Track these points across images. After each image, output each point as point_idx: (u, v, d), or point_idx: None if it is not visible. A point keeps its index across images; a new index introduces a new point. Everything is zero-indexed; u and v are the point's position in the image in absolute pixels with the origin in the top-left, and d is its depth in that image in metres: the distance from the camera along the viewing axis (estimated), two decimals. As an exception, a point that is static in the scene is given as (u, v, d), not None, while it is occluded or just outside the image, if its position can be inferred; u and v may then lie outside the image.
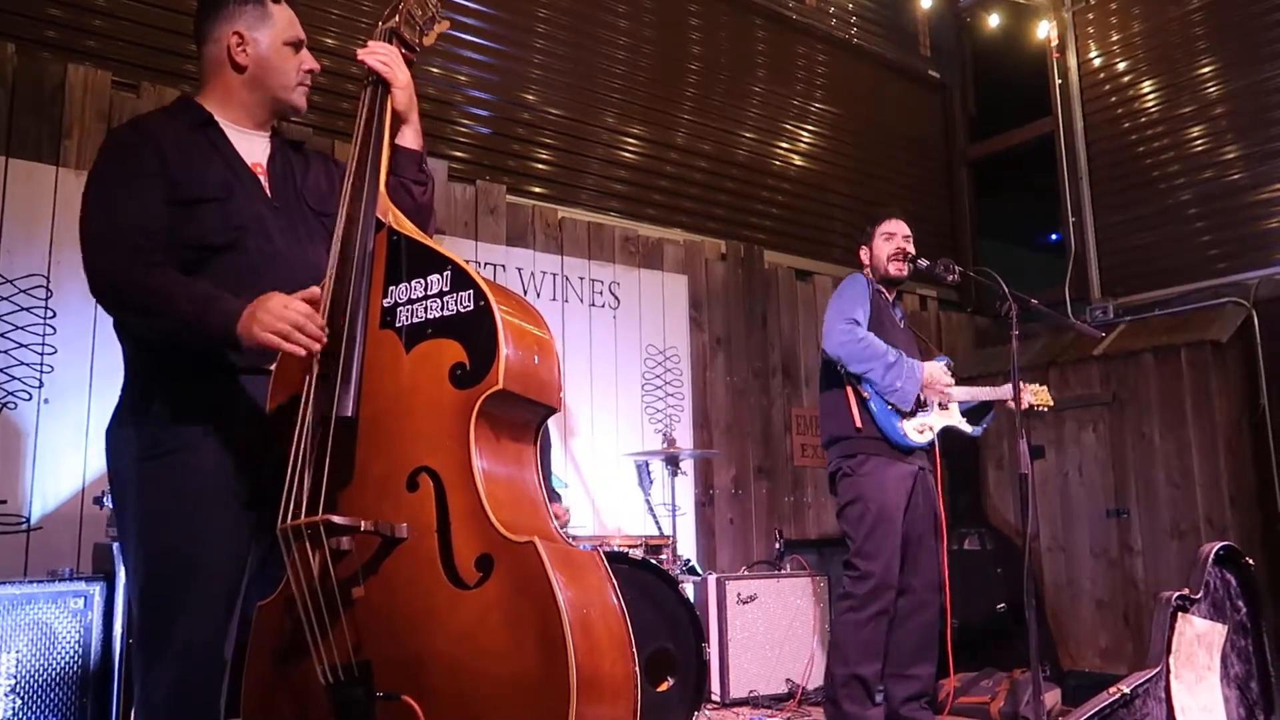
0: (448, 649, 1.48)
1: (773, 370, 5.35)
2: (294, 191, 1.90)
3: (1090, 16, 6.01)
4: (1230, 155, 5.30)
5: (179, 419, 1.70)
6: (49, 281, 3.31)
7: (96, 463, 3.26)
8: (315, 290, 1.66)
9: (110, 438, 1.78)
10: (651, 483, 4.25)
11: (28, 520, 3.18)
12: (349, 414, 1.61)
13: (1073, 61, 6.05)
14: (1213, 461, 4.55)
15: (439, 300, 1.63)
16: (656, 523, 4.19)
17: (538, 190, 4.74)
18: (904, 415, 3.33)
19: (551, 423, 4.13)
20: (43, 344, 3.28)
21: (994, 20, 6.31)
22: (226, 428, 1.72)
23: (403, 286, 1.67)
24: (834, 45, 6.20)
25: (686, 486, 4.73)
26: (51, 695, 2.68)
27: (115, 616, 2.77)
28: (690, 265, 5.14)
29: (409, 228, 1.73)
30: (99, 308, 1.74)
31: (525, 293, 4.41)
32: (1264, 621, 2.61)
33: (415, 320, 1.65)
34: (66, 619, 2.73)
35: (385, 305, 1.68)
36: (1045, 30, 6.11)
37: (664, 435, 4.34)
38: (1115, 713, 2.16)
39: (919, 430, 3.37)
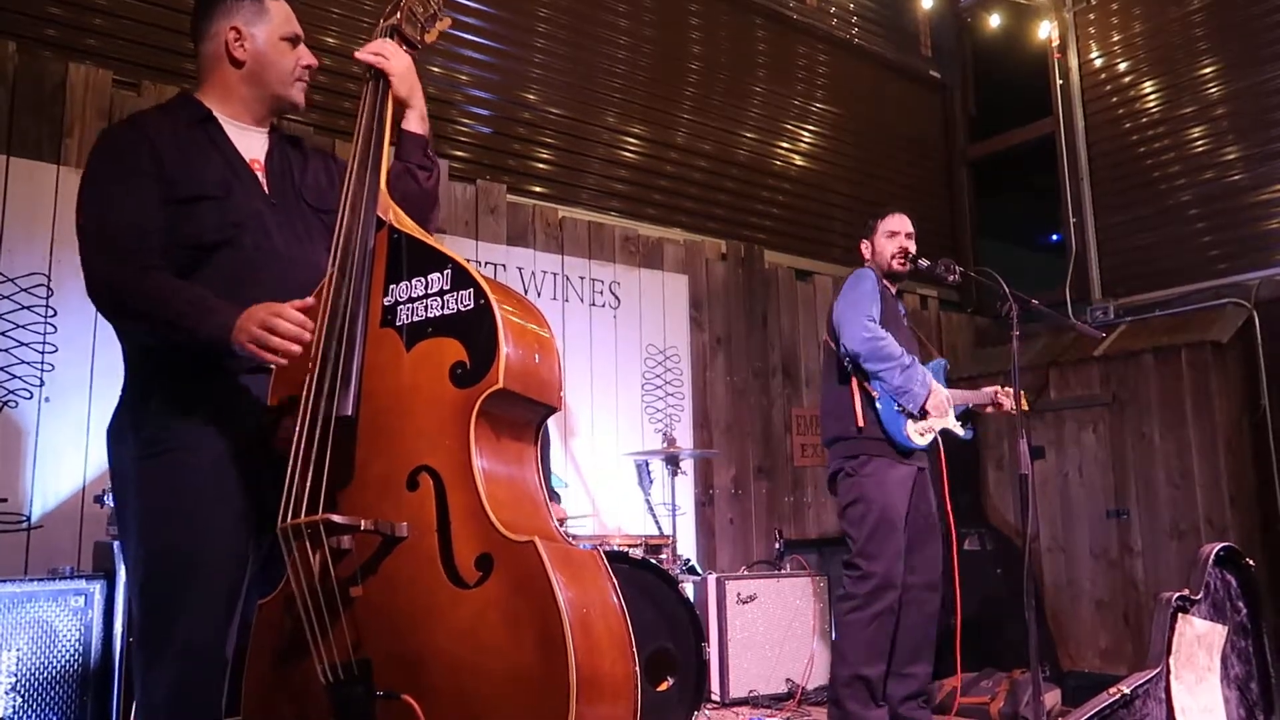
0: (448, 648, 1.48)
1: (773, 370, 5.35)
2: (292, 188, 1.89)
3: (1091, 17, 6.01)
4: (1231, 156, 5.30)
5: (179, 418, 1.70)
6: (50, 280, 3.31)
7: (97, 461, 3.26)
8: (310, 300, 1.65)
9: (111, 436, 1.78)
10: (651, 482, 4.25)
11: (28, 519, 3.18)
12: (349, 413, 1.61)
13: (1073, 62, 6.05)
14: (1213, 462, 4.55)
15: (439, 299, 1.63)
16: (656, 522, 4.19)
17: (538, 190, 4.74)
18: (910, 417, 3.33)
19: (551, 422, 4.13)
20: (43, 343, 3.28)
21: (995, 20, 6.31)
22: (227, 426, 1.72)
23: (403, 285, 1.67)
24: (834, 45, 6.20)
25: (686, 486, 4.73)
26: (52, 693, 2.68)
27: (116, 615, 2.77)
28: (690, 265, 5.14)
29: (410, 226, 1.73)
30: (99, 307, 1.74)
31: (525, 292, 4.41)
32: (1264, 622, 2.61)
33: (415, 319, 1.64)
34: (67, 617, 2.73)
35: (385, 304, 1.68)
36: (1046, 30, 6.10)
37: (664, 435, 4.34)
38: (1115, 713, 2.15)
39: (922, 433, 3.38)
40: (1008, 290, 3.03)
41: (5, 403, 3.20)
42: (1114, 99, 5.86)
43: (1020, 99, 6.42)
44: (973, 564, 4.78)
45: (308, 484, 1.58)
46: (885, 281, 3.57)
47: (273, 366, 1.69)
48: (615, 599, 1.54)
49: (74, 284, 3.26)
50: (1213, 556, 2.50)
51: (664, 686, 3.22)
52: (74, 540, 3.23)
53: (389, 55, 1.85)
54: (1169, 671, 2.28)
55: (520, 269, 4.48)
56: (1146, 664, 2.30)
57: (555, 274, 4.60)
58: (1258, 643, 2.57)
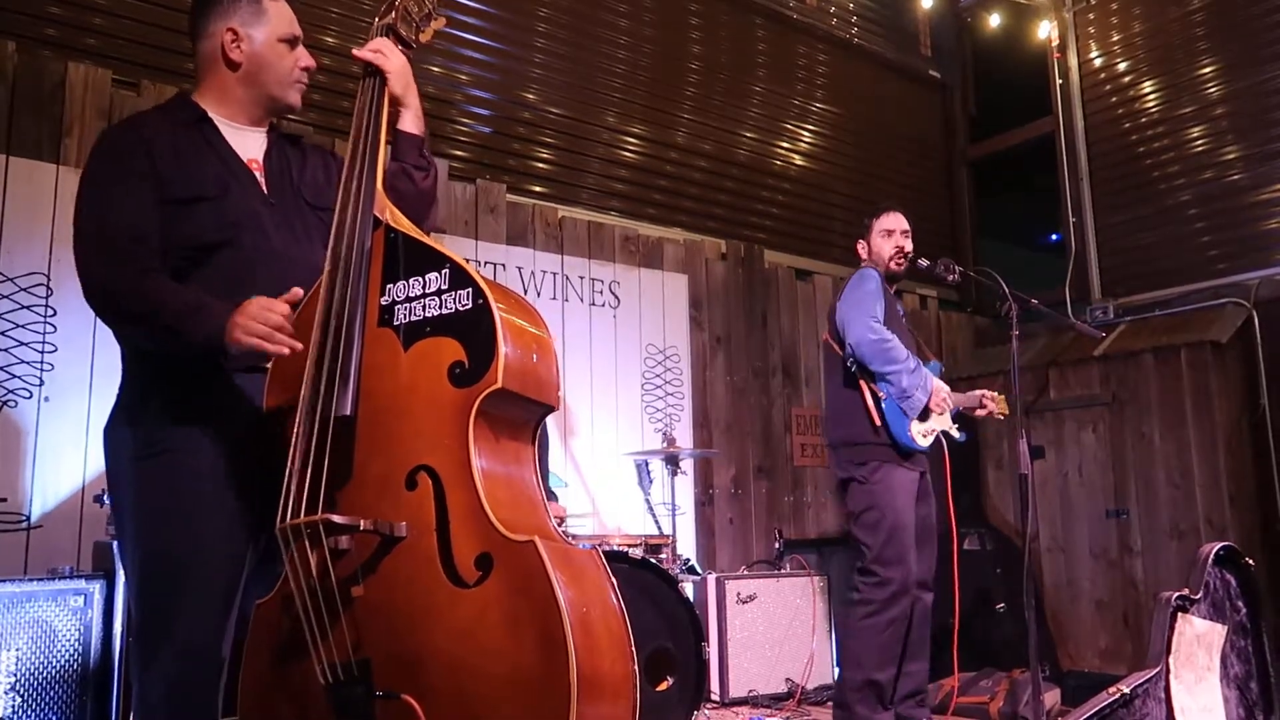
0: (447, 648, 1.48)
1: (773, 370, 5.35)
2: (290, 187, 1.89)
3: (1091, 16, 6.01)
4: (1231, 156, 5.30)
5: (176, 418, 1.70)
6: (49, 280, 3.31)
7: (97, 461, 3.26)
8: (298, 291, 1.65)
9: (108, 437, 1.78)
10: (651, 482, 4.25)
11: (28, 518, 3.18)
12: (347, 413, 1.61)
13: (1073, 61, 6.05)
14: (1212, 462, 4.55)
15: (437, 298, 1.63)
16: (656, 522, 4.19)
17: (538, 189, 4.74)
18: (912, 419, 3.34)
19: (551, 422, 4.16)
20: (43, 342, 3.28)
21: (994, 20, 6.31)
22: (224, 426, 1.71)
23: (400, 284, 1.67)
24: (834, 45, 6.20)
25: (686, 486, 4.73)
26: (51, 693, 2.68)
27: (115, 614, 2.77)
28: (690, 265, 5.14)
29: (406, 225, 1.73)
30: (98, 307, 1.74)
31: (525, 292, 4.41)
32: (1264, 622, 2.61)
33: (413, 318, 1.64)
34: (66, 617, 2.73)
35: (383, 303, 1.68)
36: (1046, 30, 6.10)
37: (664, 435, 4.34)
38: (1115, 713, 2.15)
39: (925, 434, 3.38)
40: (1007, 290, 3.03)
41: (5, 402, 3.20)
42: (1114, 99, 5.86)
43: (1020, 99, 6.42)
44: (972, 564, 4.78)
45: (306, 484, 1.58)
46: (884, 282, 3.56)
47: (269, 366, 1.69)
48: (615, 599, 1.54)
49: (74, 284, 3.22)
50: (1212, 556, 2.50)
51: (664, 686, 3.22)
52: (73, 540, 3.23)
53: (386, 53, 1.85)
54: (1168, 671, 2.28)
55: (520, 269, 4.48)
56: (1146, 663, 2.30)
57: (555, 274, 4.60)
58: (1257, 642, 2.57)
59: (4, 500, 3.16)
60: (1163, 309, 5.36)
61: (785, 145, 5.83)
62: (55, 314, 3.31)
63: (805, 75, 6.03)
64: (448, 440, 1.56)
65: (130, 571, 1.72)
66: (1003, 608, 4.65)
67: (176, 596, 1.66)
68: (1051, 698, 3.92)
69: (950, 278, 3.46)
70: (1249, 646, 2.56)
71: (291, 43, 1.89)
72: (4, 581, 2.69)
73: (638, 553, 3.45)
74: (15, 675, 2.63)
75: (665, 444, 4.16)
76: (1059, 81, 6.06)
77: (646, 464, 4.25)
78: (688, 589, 3.67)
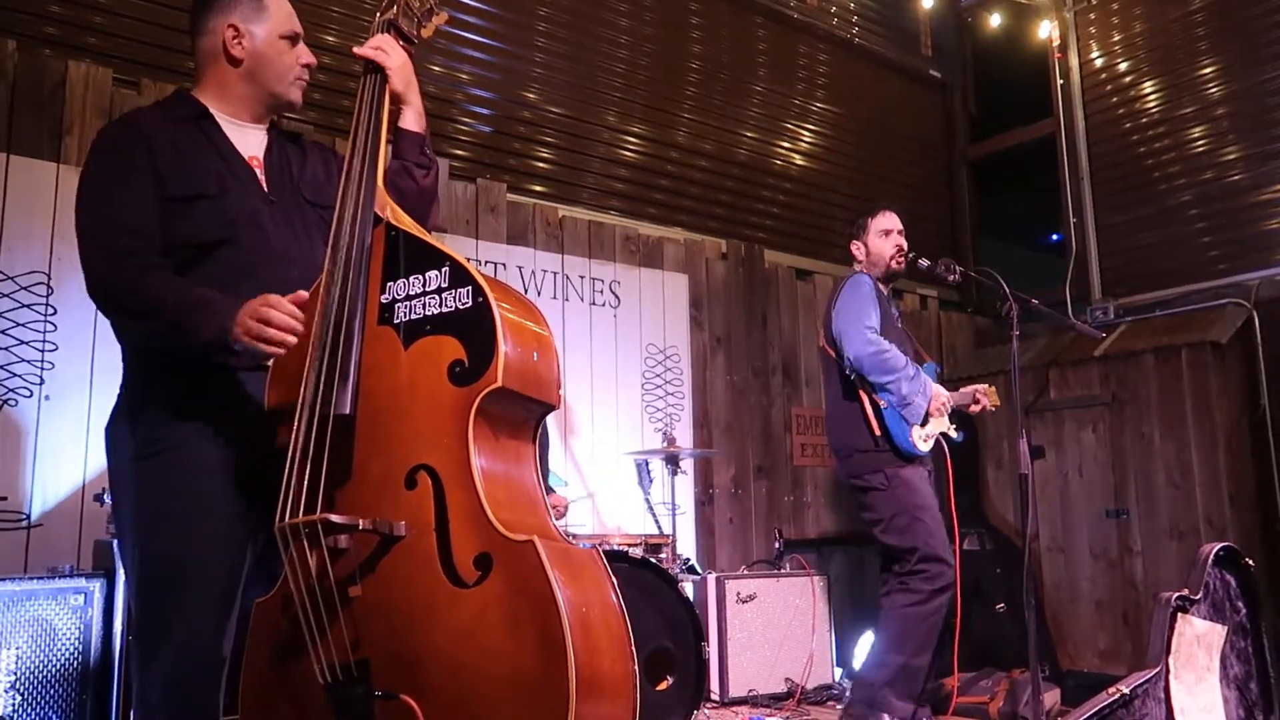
0: (447, 648, 1.48)
1: (773, 369, 5.35)
2: (291, 185, 1.89)
3: (1092, 17, 6.01)
4: (1231, 156, 5.30)
5: (176, 417, 1.70)
6: (50, 279, 3.31)
7: (97, 460, 3.25)
8: (303, 294, 1.65)
9: (108, 436, 1.78)
10: (651, 482, 4.25)
11: (28, 517, 3.18)
12: (347, 411, 1.60)
13: (1074, 61, 6.04)
14: (1212, 462, 4.55)
15: (437, 296, 1.62)
16: (656, 522, 4.19)
17: (538, 189, 4.74)
18: (912, 425, 3.34)
19: (551, 421, 4.16)
20: (43, 341, 3.28)
21: (995, 20, 6.30)
22: (224, 425, 1.71)
23: (401, 283, 1.67)
24: (835, 45, 6.20)
25: (686, 485, 4.72)
26: (51, 692, 2.68)
27: (115, 613, 2.77)
28: (691, 264, 5.14)
29: (407, 223, 1.73)
30: (99, 305, 1.74)
31: (525, 291, 4.40)
32: (1263, 622, 2.61)
33: (413, 317, 1.64)
34: (67, 616, 2.73)
35: (383, 301, 1.68)
36: (1046, 30, 6.10)
37: (664, 434, 4.34)
38: (1114, 713, 2.15)
39: (925, 440, 3.39)
40: (1008, 290, 3.03)
41: (5, 401, 3.20)
42: (1114, 99, 5.86)
43: (1021, 99, 6.42)
44: (972, 564, 4.78)
45: (305, 483, 1.58)
46: (880, 284, 3.55)
47: (269, 364, 1.69)
48: (614, 598, 1.54)
49: (74, 282, 3.26)
50: (1212, 556, 2.49)
51: (663, 686, 3.22)
52: (74, 538, 3.23)
53: (387, 50, 1.84)
54: (1168, 671, 2.28)
55: (520, 268, 4.48)
56: (1146, 664, 2.30)
57: (555, 273, 4.60)
58: (1257, 642, 2.57)
59: (4, 499, 3.16)
60: (1163, 309, 5.36)
61: (786, 145, 5.83)
62: (55, 313, 3.31)
63: (806, 75, 6.03)
64: (447, 439, 1.56)
65: (130, 571, 1.72)
66: (1002, 608, 4.65)
67: (176, 596, 1.66)
68: (1051, 698, 3.92)
69: (951, 278, 3.45)
70: (1249, 647, 2.56)
71: (292, 39, 1.89)
72: (4, 580, 2.69)
73: (638, 552, 3.45)
74: (15, 674, 2.63)
75: (665, 443, 4.16)
76: (1060, 81, 6.05)
77: (646, 463, 4.25)
78: (687, 588, 3.67)
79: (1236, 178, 5.26)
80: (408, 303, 1.65)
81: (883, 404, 3.31)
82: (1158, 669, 2.27)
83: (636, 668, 1.51)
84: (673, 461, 4.08)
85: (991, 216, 6.85)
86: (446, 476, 1.55)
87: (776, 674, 4.16)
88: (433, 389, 1.59)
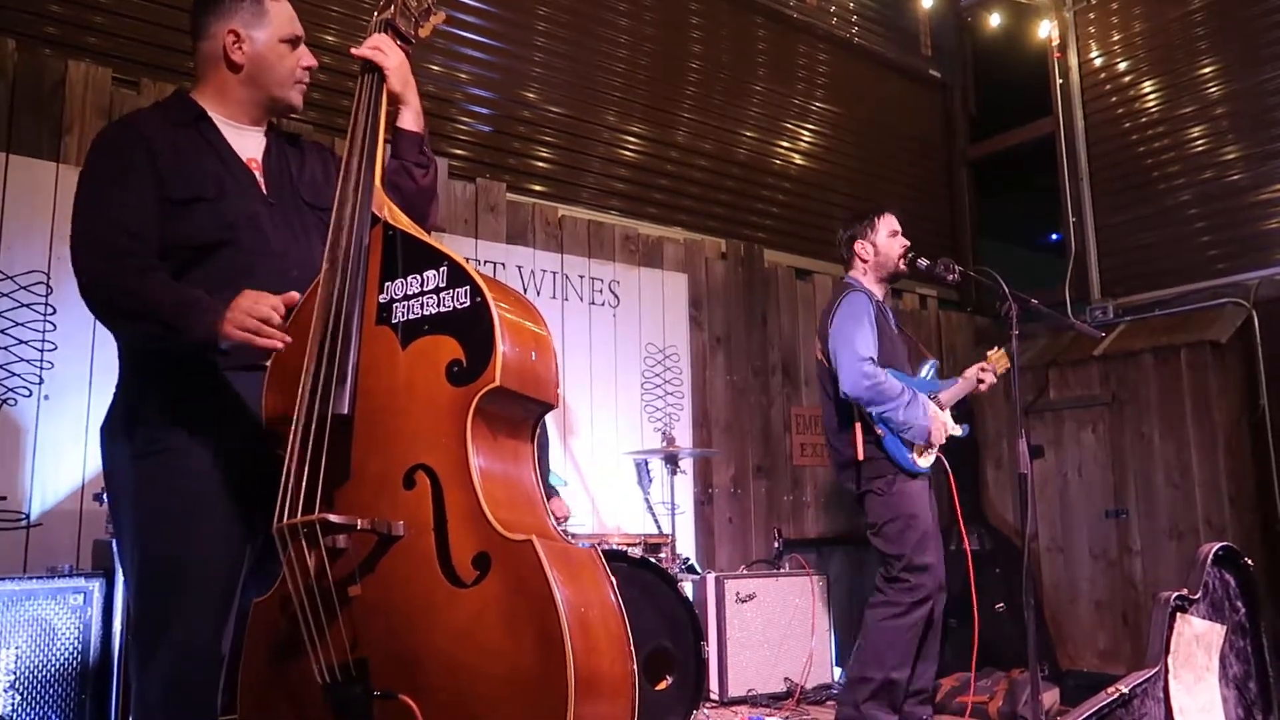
0: (445, 647, 1.48)
1: (772, 369, 5.35)
2: (289, 186, 1.89)
3: (1091, 16, 6.01)
4: (1231, 156, 5.30)
5: (174, 417, 1.70)
6: (49, 278, 3.31)
7: (96, 459, 3.23)
8: (294, 295, 1.65)
9: (105, 436, 1.78)
10: (651, 481, 4.25)
11: (27, 516, 3.18)
12: (345, 411, 1.60)
13: (1074, 61, 6.04)
14: (1212, 462, 4.54)
15: (435, 296, 1.62)
16: (655, 521, 4.19)
17: (538, 188, 4.74)
18: (916, 445, 3.34)
19: (551, 421, 4.17)
20: (43, 340, 3.28)
21: (995, 20, 6.30)
22: (222, 425, 1.71)
23: (399, 282, 1.67)
24: (835, 44, 6.20)
25: (686, 485, 4.72)
26: (51, 691, 2.68)
27: (115, 613, 2.77)
28: (690, 264, 5.14)
29: (405, 222, 1.73)
30: (98, 306, 1.74)
31: (525, 291, 4.40)
32: (1262, 622, 2.61)
33: (411, 316, 1.64)
34: (66, 615, 2.73)
35: (381, 301, 1.68)
36: (1046, 30, 6.10)
37: (663, 434, 4.34)
38: (1113, 712, 2.15)
39: (925, 455, 3.39)
40: (1007, 290, 3.02)
41: (4, 400, 3.20)
42: (1114, 99, 5.86)
43: (1020, 99, 6.41)
44: (972, 563, 4.78)
45: (304, 483, 1.57)
46: (876, 293, 3.52)
47: (267, 365, 1.69)
48: (614, 598, 1.54)
49: (73, 282, 3.23)
50: (1211, 556, 2.49)
51: (663, 685, 3.22)
52: (73, 538, 3.23)
53: (384, 50, 1.84)
54: (1167, 671, 2.28)
55: (520, 267, 4.48)
56: (1145, 663, 2.30)
57: (555, 273, 4.60)
58: (1256, 642, 2.57)
59: (4, 498, 3.16)
60: (1162, 309, 5.36)
61: (785, 145, 5.83)
62: (55, 312, 3.31)
63: (805, 75, 6.03)
64: (446, 439, 1.55)
65: (129, 571, 1.72)
66: (1002, 607, 4.65)
67: (175, 596, 1.66)
68: (1050, 697, 3.93)
69: (950, 277, 3.45)
70: (1248, 646, 2.56)
71: (293, 43, 1.89)
72: (3, 580, 2.69)
73: (637, 552, 3.45)
74: (15, 673, 2.63)
75: (665, 443, 4.16)
76: (1059, 81, 6.05)
77: (646, 463, 4.25)
78: (687, 588, 3.67)
79: (1236, 177, 5.26)
80: (405, 302, 1.65)
81: (880, 431, 3.30)
82: (1157, 669, 2.27)
83: (635, 667, 1.51)
84: (672, 461, 4.08)
85: (991, 216, 6.85)
86: (445, 476, 1.55)
87: (776, 674, 4.17)
88: (431, 389, 1.59)
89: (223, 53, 1.83)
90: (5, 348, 3.22)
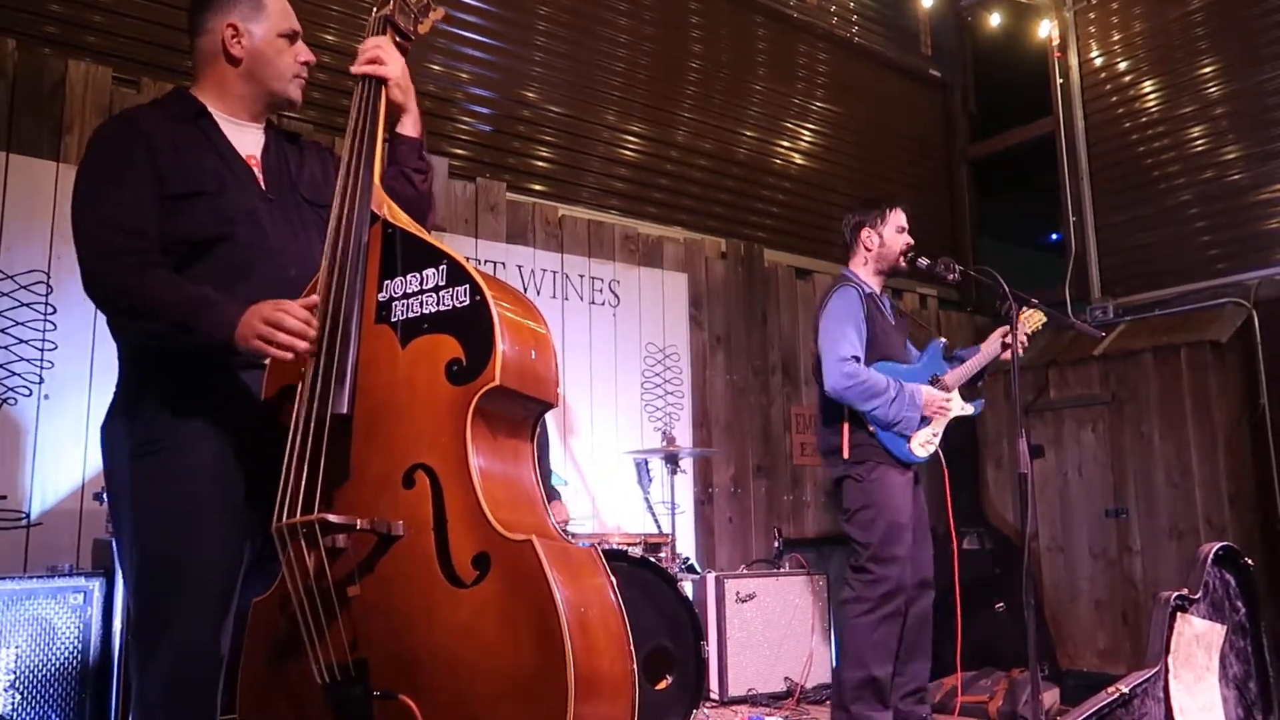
0: (445, 647, 1.48)
1: (772, 369, 5.35)
2: (289, 183, 1.89)
3: (1091, 16, 6.01)
4: (1231, 155, 5.29)
5: (174, 415, 1.69)
6: (49, 277, 3.31)
7: (96, 458, 3.24)
8: (314, 298, 1.65)
9: (105, 434, 1.77)
10: (651, 481, 4.25)
11: (27, 516, 3.18)
12: (344, 411, 1.60)
13: (1074, 61, 6.04)
14: (1212, 461, 4.54)
15: (435, 295, 1.62)
16: (655, 521, 4.19)
17: (538, 188, 4.74)
18: (911, 435, 3.33)
19: (551, 421, 4.16)
20: (43, 340, 3.28)
21: (995, 19, 6.30)
22: (222, 424, 1.71)
23: (398, 281, 1.67)
24: (835, 44, 6.19)
25: (686, 485, 4.72)
26: (51, 691, 2.68)
27: (115, 612, 2.76)
28: (690, 263, 5.14)
29: (404, 220, 1.72)
30: (99, 304, 1.74)
31: (525, 290, 4.40)
32: (1263, 622, 2.60)
33: (411, 315, 1.64)
34: (66, 615, 2.73)
35: (380, 300, 1.68)
36: (1046, 29, 6.10)
37: (663, 433, 4.34)
38: (1114, 712, 2.15)
39: (925, 444, 3.37)
40: (1007, 289, 3.02)
41: (4, 400, 3.20)
42: (1114, 98, 5.86)
43: (1020, 98, 6.41)
44: (971, 563, 4.78)
45: (303, 483, 1.57)
46: (872, 286, 3.52)
47: (267, 363, 1.69)
48: (613, 597, 1.54)
49: (73, 281, 3.23)
50: (1211, 556, 2.49)
51: (663, 685, 3.22)
52: (73, 537, 3.23)
53: (385, 60, 1.83)
54: (1167, 670, 2.28)
55: (520, 267, 4.48)
56: (1145, 663, 2.30)
57: (555, 272, 4.60)
58: (1256, 642, 2.57)
59: (4, 498, 3.16)
60: (1163, 309, 5.36)
61: (785, 144, 5.83)
62: (55, 311, 3.31)
63: (806, 74, 6.03)
64: (445, 438, 1.55)
65: (128, 570, 1.72)
66: (1002, 607, 4.65)
67: (175, 595, 1.65)
68: (1050, 697, 3.93)
69: (950, 277, 3.45)
70: (1248, 646, 2.56)
71: (291, 38, 1.88)
72: (3, 579, 2.68)
73: (637, 551, 3.45)
74: (15, 673, 2.62)
75: (665, 443, 4.16)
76: (1059, 81, 6.05)
77: (646, 463, 4.25)
78: (687, 588, 3.67)
79: (1236, 177, 5.26)
80: (405, 301, 1.65)
81: (871, 428, 3.30)
82: (1157, 668, 2.27)
83: (635, 667, 1.51)
84: (672, 461, 4.08)
85: (991, 216, 6.85)
86: (444, 476, 1.55)
87: (776, 673, 4.17)
88: (430, 388, 1.58)
89: (221, 47, 1.83)
90: (5, 347, 3.22)
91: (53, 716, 2.67)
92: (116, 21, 3.68)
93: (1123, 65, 5.83)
